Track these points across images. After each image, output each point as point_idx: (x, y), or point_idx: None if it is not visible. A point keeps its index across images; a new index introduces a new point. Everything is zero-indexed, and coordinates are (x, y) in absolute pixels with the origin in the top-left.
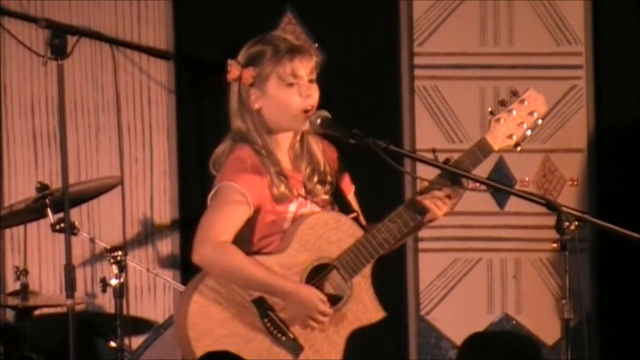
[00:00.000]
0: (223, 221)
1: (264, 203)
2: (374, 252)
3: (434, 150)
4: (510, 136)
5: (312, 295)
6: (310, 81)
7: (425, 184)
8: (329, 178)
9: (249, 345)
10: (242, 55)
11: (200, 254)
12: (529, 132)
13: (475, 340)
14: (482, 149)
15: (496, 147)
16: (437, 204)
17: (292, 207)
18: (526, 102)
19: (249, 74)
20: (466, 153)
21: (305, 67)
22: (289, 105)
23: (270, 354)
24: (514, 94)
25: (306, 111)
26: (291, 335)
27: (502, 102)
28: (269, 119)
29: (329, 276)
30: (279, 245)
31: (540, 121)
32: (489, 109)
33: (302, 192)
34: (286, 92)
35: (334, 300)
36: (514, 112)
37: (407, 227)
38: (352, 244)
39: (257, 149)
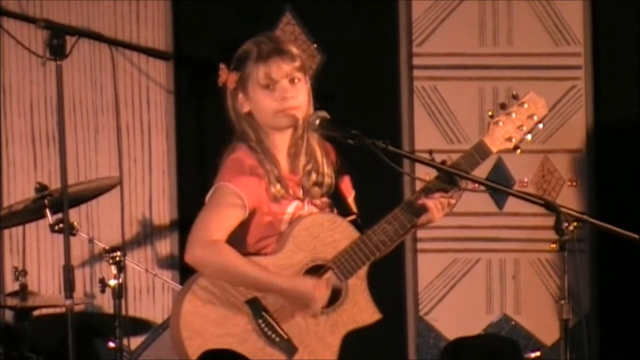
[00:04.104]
0: (216, 222)
1: (260, 205)
2: (369, 254)
3: (430, 152)
4: (509, 139)
5: (306, 284)
6: (292, 81)
7: (423, 185)
8: (327, 179)
9: (243, 346)
10: (234, 58)
11: (192, 255)
12: (528, 137)
13: (452, 346)
14: (480, 151)
15: (494, 150)
16: (437, 207)
17: (290, 209)
18: (526, 105)
19: (232, 79)
20: (464, 155)
21: (281, 69)
22: (265, 108)
23: (264, 355)
24: (514, 97)
25: (282, 112)
26: (285, 336)
27: (502, 105)
28: (258, 121)
29: (324, 277)
30: (274, 247)
31: (540, 125)
32: (489, 112)
33: (299, 194)
34: (261, 94)
35: (330, 300)
36: (514, 115)
37: (404, 229)
38: (347, 245)
39: (253, 146)
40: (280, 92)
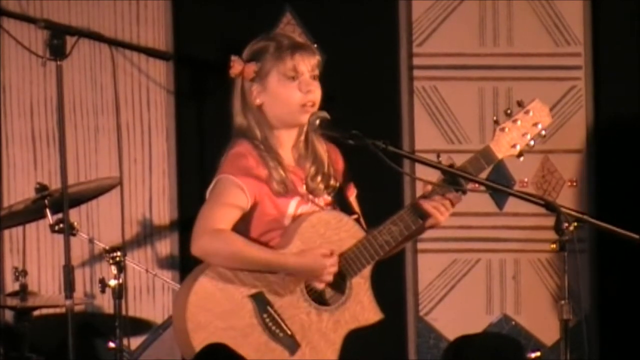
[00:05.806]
0: (220, 213)
1: (262, 199)
2: (374, 253)
3: (438, 155)
4: (514, 146)
5: (316, 259)
6: (313, 77)
7: (428, 188)
8: (332, 181)
9: (246, 340)
10: (246, 52)
11: (199, 245)
12: (532, 143)
13: (455, 344)
14: (486, 157)
15: (500, 156)
16: (439, 210)
17: (292, 204)
18: (531, 113)
19: (250, 69)
20: (470, 160)
21: (306, 63)
22: (288, 100)
23: (267, 350)
24: (519, 104)
25: (305, 106)
26: (288, 332)
27: (507, 112)
28: (270, 114)
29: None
30: (279, 242)
31: (543, 132)
32: (494, 118)
33: (303, 190)
34: (286, 86)
35: (333, 300)
36: (519, 122)
37: (409, 230)
38: (353, 244)
39: (257, 144)
40: (305, 85)
